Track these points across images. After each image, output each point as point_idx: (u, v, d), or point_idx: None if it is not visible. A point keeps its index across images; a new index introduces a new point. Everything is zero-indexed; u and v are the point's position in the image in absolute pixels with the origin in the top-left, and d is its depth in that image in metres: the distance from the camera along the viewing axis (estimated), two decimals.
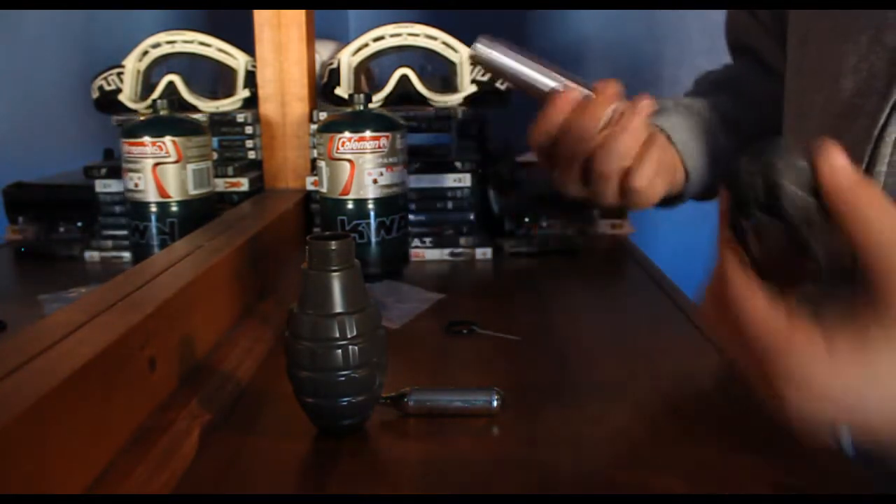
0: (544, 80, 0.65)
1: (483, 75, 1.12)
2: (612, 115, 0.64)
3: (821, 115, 0.62)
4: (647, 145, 0.65)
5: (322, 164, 0.95)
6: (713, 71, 0.87)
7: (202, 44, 1.14)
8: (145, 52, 1.14)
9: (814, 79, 0.64)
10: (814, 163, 0.35)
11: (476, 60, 0.65)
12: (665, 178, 0.70)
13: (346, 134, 0.92)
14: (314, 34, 1.16)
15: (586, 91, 0.65)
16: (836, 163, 0.36)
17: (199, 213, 0.93)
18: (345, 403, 0.55)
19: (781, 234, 0.35)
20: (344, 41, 1.21)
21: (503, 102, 1.15)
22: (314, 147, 1.10)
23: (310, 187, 1.09)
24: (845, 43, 0.60)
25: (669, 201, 0.74)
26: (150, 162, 0.90)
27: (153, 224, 0.92)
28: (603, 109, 0.63)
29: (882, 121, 0.55)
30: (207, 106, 1.12)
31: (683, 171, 0.73)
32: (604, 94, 0.64)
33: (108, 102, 1.15)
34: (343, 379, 0.54)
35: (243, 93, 1.13)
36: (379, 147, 0.93)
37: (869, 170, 0.56)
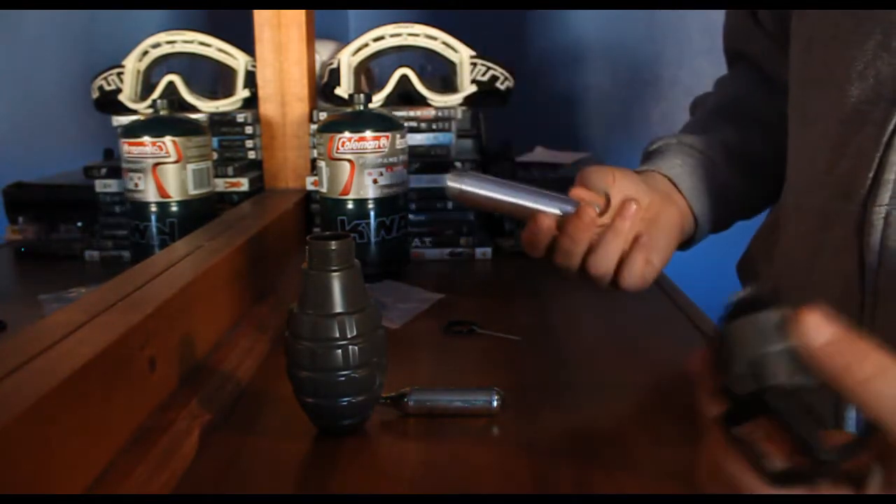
0: (522, 203, 0.64)
1: (483, 75, 1.12)
2: (599, 212, 0.64)
3: (826, 121, 0.62)
4: (634, 246, 0.65)
5: (322, 164, 0.95)
6: (709, 94, 0.86)
7: (202, 44, 1.14)
8: (145, 52, 1.14)
9: (818, 85, 0.64)
10: (798, 337, 0.33)
11: (450, 195, 0.64)
12: (669, 242, 0.70)
13: (346, 134, 0.92)
14: (314, 34, 1.16)
15: (566, 207, 0.64)
16: (816, 331, 0.32)
17: (199, 213, 0.93)
18: (345, 403, 0.55)
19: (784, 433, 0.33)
20: (344, 41, 1.21)
21: (503, 102, 1.15)
22: (314, 147, 1.10)
23: (310, 187, 1.09)
24: (850, 48, 0.59)
25: (681, 246, 0.74)
26: (150, 162, 0.90)
27: (153, 224, 0.92)
28: (583, 233, 0.63)
29: (891, 128, 0.55)
30: (207, 106, 1.12)
31: (692, 216, 0.73)
32: (581, 216, 0.63)
33: (108, 102, 1.15)
34: (343, 379, 0.54)
35: (243, 93, 1.13)
36: (379, 147, 0.93)
37: (877, 178, 0.56)
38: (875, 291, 0.58)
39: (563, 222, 0.63)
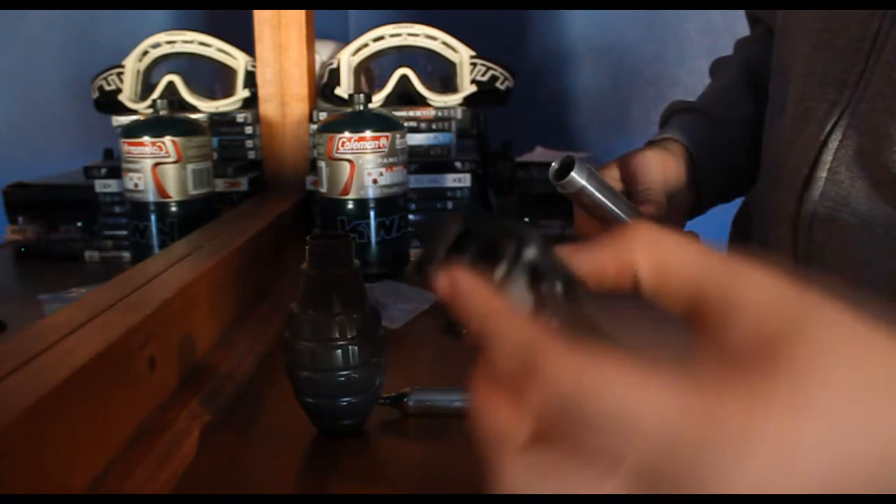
0: (620, 216, 0.63)
1: (483, 75, 1.12)
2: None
3: (781, 114, 0.62)
4: None
5: (322, 164, 0.95)
6: (731, 59, 0.84)
7: (202, 44, 1.14)
8: (145, 52, 1.14)
9: (776, 76, 0.65)
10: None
11: (564, 185, 0.61)
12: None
13: (346, 134, 0.92)
14: (314, 34, 1.16)
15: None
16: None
17: (199, 213, 0.93)
18: (345, 403, 0.55)
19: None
20: (344, 41, 1.21)
21: (503, 102, 1.15)
22: (314, 147, 1.10)
23: (310, 187, 1.09)
24: (794, 43, 0.60)
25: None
26: (149, 162, 0.90)
27: (153, 224, 0.92)
28: None
29: (828, 128, 0.56)
30: (207, 106, 1.12)
31: (697, 199, 0.72)
32: None
33: (108, 102, 1.15)
34: (343, 379, 0.54)
35: (243, 93, 1.13)
36: (379, 147, 0.93)
37: (811, 175, 0.57)
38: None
39: None
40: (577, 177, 0.61)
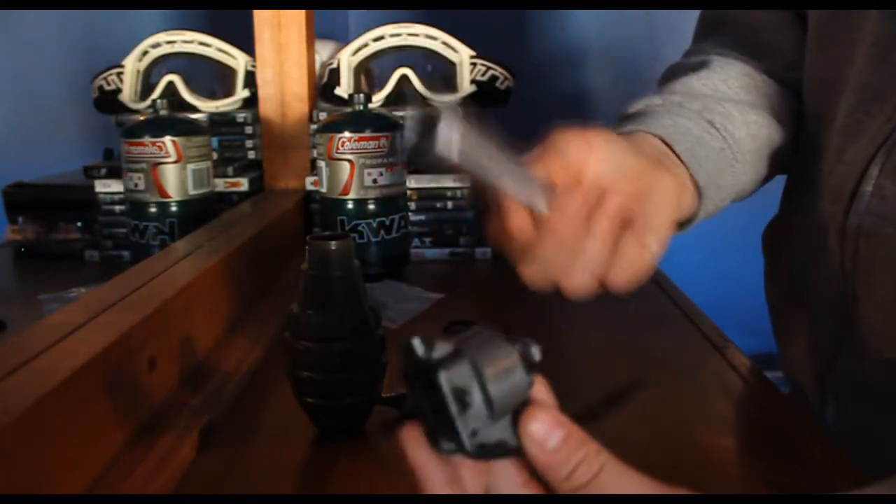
0: (500, 183, 0.47)
1: (483, 75, 1.12)
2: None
3: (830, 124, 0.61)
4: (624, 231, 0.49)
5: (322, 164, 0.95)
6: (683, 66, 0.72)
7: (202, 44, 1.14)
8: (145, 52, 1.14)
9: (823, 86, 0.63)
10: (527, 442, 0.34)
11: (437, 145, 0.41)
12: (667, 220, 0.53)
13: (346, 134, 0.92)
14: (314, 34, 1.16)
15: (540, 199, 0.48)
16: (547, 437, 0.35)
17: (198, 213, 0.93)
18: (345, 403, 0.55)
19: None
20: (344, 41, 1.21)
21: (503, 102, 1.15)
22: (314, 147, 1.10)
23: (310, 187, 1.09)
24: (844, 54, 0.59)
25: (680, 225, 0.58)
26: (149, 162, 0.90)
27: (153, 224, 0.92)
28: (568, 234, 0.49)
29: (879, 143, 0.55)
30: (207, 106, 1.12)
31: (692, 185, 0.56)
32: (565, 211, 0.48)
33: (108, 102, 1.15)
34: (343, 379, 0.54)
35: (243, 93, 1.13)
36: (379, 147, 0.93)
37: (857, 188, 0.56)
38: (855, 298, 0.58)
39: (540, 219, 0.49)
40: (447, 134, 0.40)
